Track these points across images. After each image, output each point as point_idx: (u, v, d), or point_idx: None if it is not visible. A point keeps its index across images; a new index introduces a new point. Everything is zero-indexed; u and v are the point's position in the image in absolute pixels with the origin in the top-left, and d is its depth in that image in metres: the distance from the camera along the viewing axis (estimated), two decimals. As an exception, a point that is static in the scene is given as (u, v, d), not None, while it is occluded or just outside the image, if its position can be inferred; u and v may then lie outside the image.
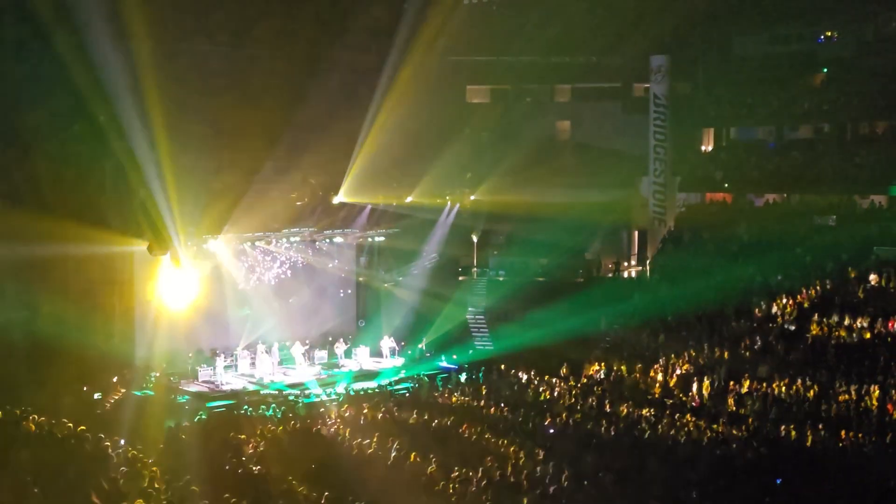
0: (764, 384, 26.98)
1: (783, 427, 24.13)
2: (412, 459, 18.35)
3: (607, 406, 26.92)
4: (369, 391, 30.15)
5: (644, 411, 26.10)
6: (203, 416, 26.05)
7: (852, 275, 31.03)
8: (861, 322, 28.55)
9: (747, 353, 29.06)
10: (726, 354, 29.14)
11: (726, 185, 40.53)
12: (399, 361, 34.50)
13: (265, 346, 32.80)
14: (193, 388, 30.32)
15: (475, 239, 41.06)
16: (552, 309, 33.60)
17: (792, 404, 25.97)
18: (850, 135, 39.91)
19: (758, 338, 29.46)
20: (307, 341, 34.25)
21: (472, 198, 40.91)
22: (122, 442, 18.94)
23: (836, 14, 40.80)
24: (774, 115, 41.22)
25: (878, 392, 25.21)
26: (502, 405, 26.89)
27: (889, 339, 27.78)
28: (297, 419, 24.65)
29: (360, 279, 37.81)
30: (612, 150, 42.72)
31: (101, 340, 29.76)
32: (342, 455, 19.68)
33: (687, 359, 29.55)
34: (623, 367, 30.35)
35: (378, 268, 38.10)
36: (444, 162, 39.53)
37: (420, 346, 35.43)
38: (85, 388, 28.40)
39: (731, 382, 27.55)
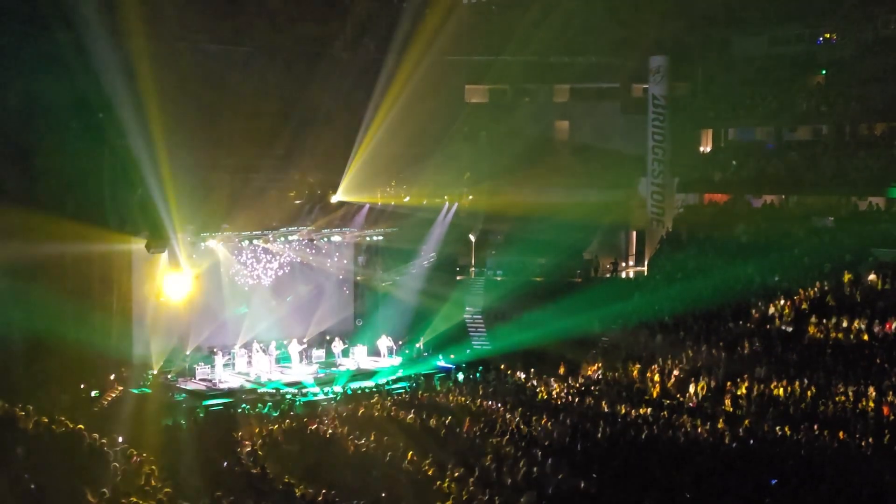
0: (761, 385, 27.00)
1: (780, 428, 24.15)
2: (409, 459, 18.37)
3: (604, 406, 26.93)
4: (367, 390, 30.13)
5: (641, 412, 26.12)
6: (200, 415, 26.07)
7: (850, 276, 31.05)
8: (858, 324, 28.59)
9: (745, 354, 29.09)
10: (723, 355, 29.16)
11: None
12: (396, 361, 34.47)
13: (262, 344, 32.78)
14: (191, 386, 30.30)
15: (473, 239, 41.06)
16: (550, 309, 33.61)
17: (789, 405, 25.99)
18: (848, 136, 39.88)
19: (755, 339, 29.47)
20: (304, 340, 34.26)
21: (471, 197, 40.90)
22: (120, 440, 18.98)
23: (836, 15, 40.81)
24: (773, 116, 41.19)
25: (874, 393, 25.26)
26: (499, 405, 26.90)
27: (886, 340, 27.81)
28: (295, 418, 24.67)
29: (358, 278, 37.79)
30: (610, 150, 42.72)
31: (98, 338, 29.72)
32: (339, 454, 19.71)
33: (684, 359, 29.57)
34: (620, 368, 30.37)
35: (376, 267, 38.09)
36: (442, 161, 39.53)
37: (418, 345, 35.43)
38: (82, 386, 28.43)
39: (729, 383, 27.56)
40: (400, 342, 35.51)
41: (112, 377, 29.31)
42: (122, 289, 31.02)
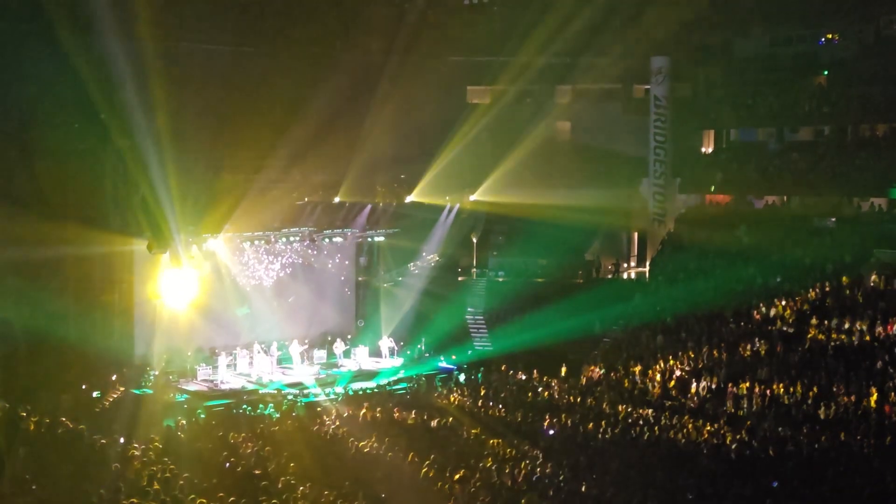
0: (763, 386, 26.99)
1: (781, 429, 24.14)
2: (410, 459, 18.37)
3: (606, 407, 26.93)
4: (368, 391, 30.15)
5: (642, 412, 26.11)
6: (202, 415, 26.06)
7: (851, 277, 31.03)
8: (860, 325, 28.56)
9: (746, 355, 29.07)
10: (725, 356, 29.15)
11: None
12: (398, 361, 34.47)
13: (263, 345, 32.77)
14: (192, 386, 30.28)
15: (475, 239, 41.07)
16: (551, 310, 33.60)
17: (790, 406, 25.98)
18: (850, 137, 39.86)
19: (757, 340, 29.46)
20: (306, 340, 34.23)
21: (472, 198, 40.91)
22: (122, 440, 18.99)
23: (838, 16, 40.77)
24: (775, 117, 41.20)
25: (876, 395, 25.23)
26: (501, 406, 26.90)
27: (888, 341, 27.78)
28: (296, 419, 24.68)
29: (360, 279, 37.79)
30: (612, 151, 42.73)
31: (100, 338, 29.79)
32: (341, 455, 19.69)
33: (686, 360, 29.56)
34: (622, 369, 30.37)
35: (378, 268, 38.09)
36: (444, 162, 39.53)
37: (419, 346, 35.42)
38: (84, 386, 28.42)
39: (730, 384, 27.55)
40: (401, 343, 35.50)
41: (114, 378, 29.31)
42: (124, 289, 31.06)
